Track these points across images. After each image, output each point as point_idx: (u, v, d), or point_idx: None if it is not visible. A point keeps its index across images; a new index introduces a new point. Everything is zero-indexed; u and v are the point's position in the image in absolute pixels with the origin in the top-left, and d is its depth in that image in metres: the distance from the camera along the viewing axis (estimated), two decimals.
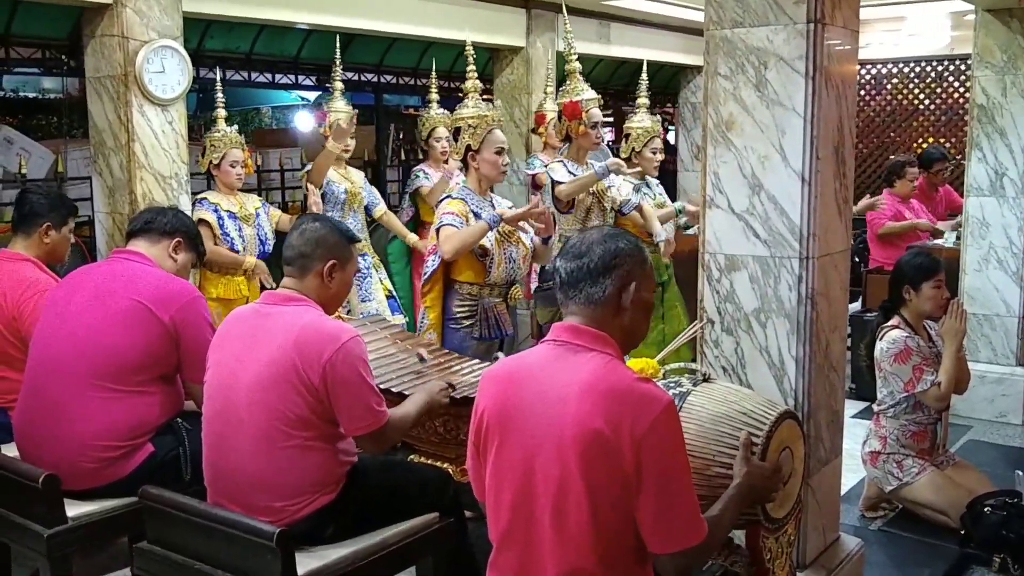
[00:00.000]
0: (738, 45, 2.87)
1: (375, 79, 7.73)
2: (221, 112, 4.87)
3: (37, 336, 3.09)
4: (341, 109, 5.26)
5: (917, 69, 8.98)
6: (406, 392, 3.14)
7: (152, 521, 2.66)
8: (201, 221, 4.54)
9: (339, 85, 5.40)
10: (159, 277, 3.13)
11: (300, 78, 7.41)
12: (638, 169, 5.16)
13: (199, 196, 4.77)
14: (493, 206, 4.04)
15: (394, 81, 7.91)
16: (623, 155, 5.12)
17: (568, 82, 4.86)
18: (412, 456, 3.45)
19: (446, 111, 5.71)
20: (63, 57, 5.73)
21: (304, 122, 12.71)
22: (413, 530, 2.83)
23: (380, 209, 5.52)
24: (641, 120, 5.30)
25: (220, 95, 4.97)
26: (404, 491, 2.86)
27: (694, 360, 3.12)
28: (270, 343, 2.59)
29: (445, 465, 3.29)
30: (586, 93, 4.78)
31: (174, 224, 3.30)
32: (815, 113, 2.78)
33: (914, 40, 8.77)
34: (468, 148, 4.04)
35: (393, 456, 3.21)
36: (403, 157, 8.98)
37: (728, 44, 2.89)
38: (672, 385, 2.63)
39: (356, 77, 7.69)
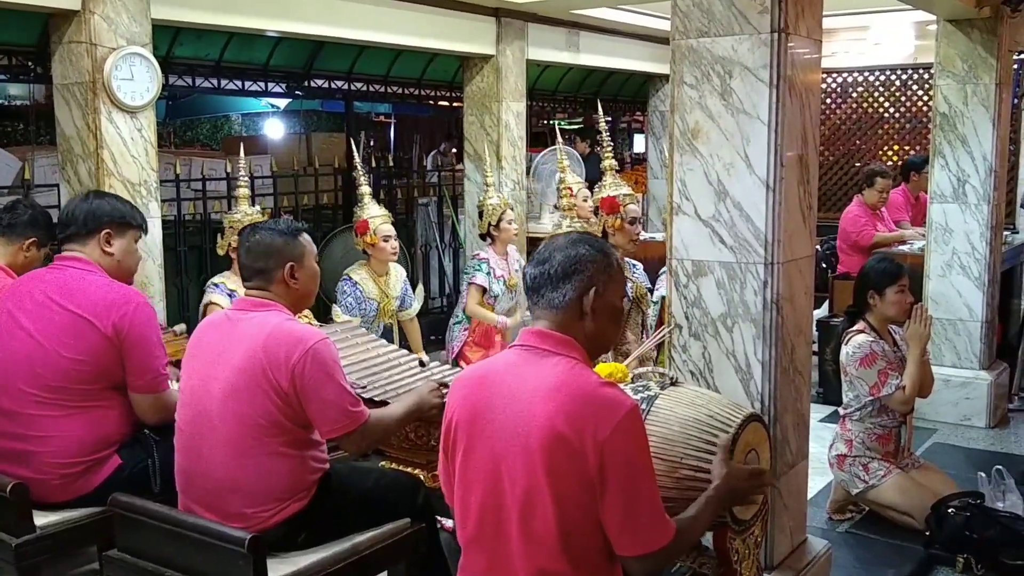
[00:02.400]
0: (703, 54, 2.92)
1: (345, 87, 7.72)
2: (244, 192, 4.68)
3: None
4: (378, 214, 5.05)
5: (882, 78, 9.08)
6: (377, 399, 3.15)
7: (122, 529, 2.65)
8: (212, 304, 4.39)
9: (366, 189, 5.18)
10: (99, 287, 3.00)
11: (270, 85, 7.38)
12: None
13: (213, 280, 4.58)
14: None
15: (364, 88, 7.90)
16: (597, 228, 4.70)
17: (605, 177, 4.70)
18: (383, 462, 3.46)
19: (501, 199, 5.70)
20: (30, 64, 5.67)
21: (274, 129, 12.71)
22: (384, 536, 2.84)
23: (407, 314, 5.31)
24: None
25: (243, 171, 4.75)
26: (375, 497, 2.87)
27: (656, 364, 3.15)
28: (239, 349, 2.60)
29: (416, 471, 3.30)
30: (623, 188, 4.67)
31: (96, 216, 3.09)
32: (779, 121, 2.83)
33: (879, 49, 8.87)
34: None
35: (364, 462, 3.21)
36: (373, 164, 8.98)
37: (694, 53, 2.94)
38: (640, 389, 2.66)
39: (326, 84, 7.68)
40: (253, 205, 4.74)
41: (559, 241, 2.21)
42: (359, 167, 5.35)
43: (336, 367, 2.66)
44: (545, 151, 8.14)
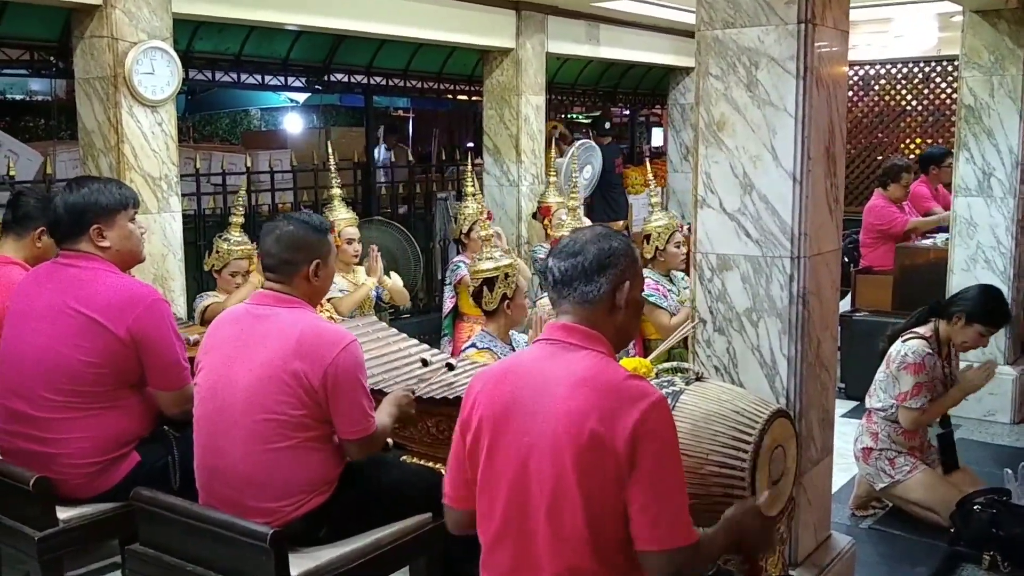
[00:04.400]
0: (729, 45, 2.89)
1: (365, 81, 7.71)
2: (238, 220, 4.66)
3: (1, 354, 2.99)
4: (345, 216, 5.11)
5: (904, 70, 9.02)
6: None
7: (144, 523, 2.66)
8: (213, 304, 4.40)
9: (337, 191, 5.23)
10: (110, 286, 2.92)
11: (289, 79, 7.37)
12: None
13: (200, 295, 4.63)
14: (513, 348, 4.01)
15: (384, 83, 7.89)
16: (646, 255, 4.94)
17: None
18: (404, 457, 3.44)
19: (477, 201, 5.75)
20: (52, 59, 5.69)
21: (293, 123, 12.72)
22: (406, 531, 2.84)
23: (391, 290, 5.33)
24: (659, 219, 5.06)
25: (241, 203, 4.78)
26: (397, 492, 2.87)
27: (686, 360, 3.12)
28: (266, 345, 2.60)
29: (437, 466, 3.28)
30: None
31: (78, 219, 2.96)
32: (806, 113, 2.79)
33: (901, 41, 8.80)
34: (504, 297, 4.00)
35: (385, 457, 3.20)
36: (411, 158, 8.96)
37: (719, 44, 2.90)
38: (665, 384, 2.63)
39: (346, 79, 7.67)
40: (253, 200, 4.74)
41: (587, 234, 2.18)
42: (333, 169, 5.39)
43: (364, 370, 2.69)
44: (571, 148, 8.16)
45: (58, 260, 3.03)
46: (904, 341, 4.07)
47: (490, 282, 4.03)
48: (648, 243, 4.99)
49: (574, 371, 2.03)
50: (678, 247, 4.98)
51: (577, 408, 1.98)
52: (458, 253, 6.18)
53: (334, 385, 2.57)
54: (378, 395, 3.01)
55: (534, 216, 6.91)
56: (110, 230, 2.99)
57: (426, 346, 3.74)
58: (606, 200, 9.14)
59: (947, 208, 6.66)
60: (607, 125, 9.78)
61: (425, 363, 3.40)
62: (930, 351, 4.01)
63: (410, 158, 8.19)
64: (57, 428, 2.87)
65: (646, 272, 4.95)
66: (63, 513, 2.85)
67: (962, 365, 4.32)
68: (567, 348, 2.09)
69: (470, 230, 5.72)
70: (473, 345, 4.01)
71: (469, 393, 2.20)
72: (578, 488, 1.97)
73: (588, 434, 1.95)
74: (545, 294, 4.50)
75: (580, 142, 8.63)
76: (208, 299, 4.53)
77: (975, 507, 3.79)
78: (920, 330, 4.10)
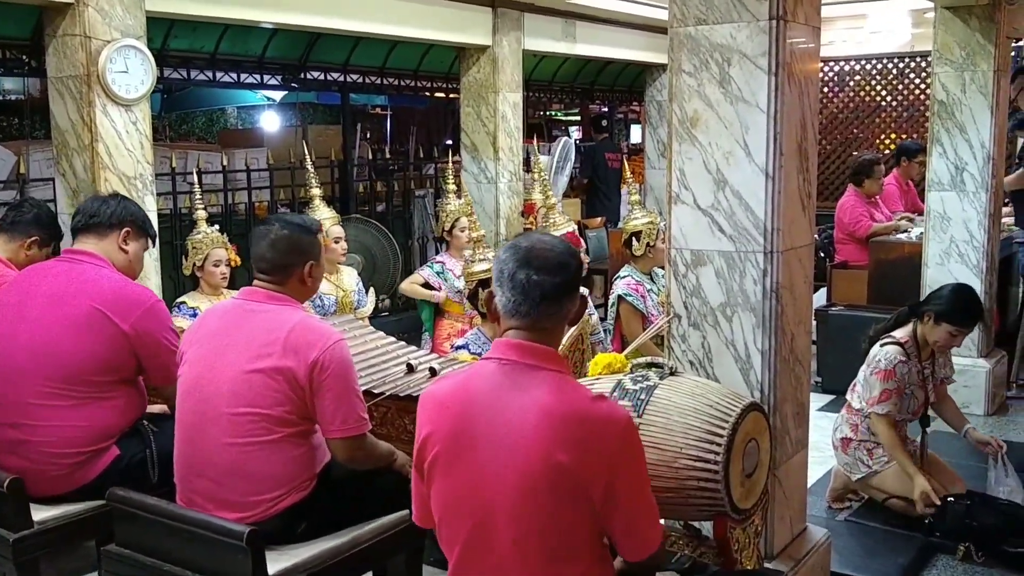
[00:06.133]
0: (702, 42, 2.90)
1: (341, 78, 7.69)
2: (201, 214, 4.67)
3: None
4: (328, 216, 5.13)
5: (879, 66, 9.08)
6: (374, 391, 3.14)
7: (120, 523, 2.65)
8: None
9: (317, 191, 5.27)
10: (116, 283, 3.04)
11: (265, 78, 7.35)
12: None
13: (177, 301, 4.61)
14: None
15: (360, 80, 7.88)
16: (636, 253, 4.99)
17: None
18: None
19: (465, 200, 5.73)
20: (24, 57, 5.65)
21: (269, 122, 12.66)
22: (383, 528, 2.84)
23: (364, 312, 5.29)
24: (640, 216, 5.06)
25: (199, 196, 4.79)
26: (374, 489, 2.87)
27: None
28: (256, 339, 2.61)
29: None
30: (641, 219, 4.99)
31: (120, 214, 3.17)
32: (778, 109, 2.81)
33: (876, 37, 8.86)
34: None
35: None
36: (370, 156, 8.96)
37: (692, 41, 2.92)
38: (639, 379, 2.64)
39: (322, 76, 7.65)
40: (212, 225, 4.72)
41: (560, 246, 2.11)
42: (310, 168, 5.41)
43: (352, 369, 2.69)
44: (556, 145, 8.21)
45: (63, 257, 3.17)
46: (882, 345, 4.08)
47: (485, 284, 4.01)
48: (638, 240, 4.99)
49: (536, 396, 1.97)
50: (664, 243, 4.98)
51: (545, 443, 1.93)
52: (438, 251, 6.19)
53: (319, 382, 2.58)
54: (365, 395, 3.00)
55: (522, 214, 6.95)
56: (134, 241, 3.21)
57: (403, 343, 3.73)
58: (598, 197, 9.24)
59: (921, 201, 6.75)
60: (604, 123, 9.99)
61: (411, 368, 3.39)
62: (903, 358, 4.02)
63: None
64: (43, 416, 2.89)
65: (627, 271, 4.98)
66: (38, 514, 2.84)
67: (954, 359, 4.33)
68: (522, 369, 2.02)
69: (453, 227, 5.73)
70: (466, 347, 3.98)
71: (421, 415, 2.13)
72: (549, 512, 1.94)
73: (559, 469, 1.92)
74: None
75: (561, 141, 8.68)
76: (179, 318, 4.43)
77: (950, 499, 3.83)
78: (898, 334, 4.11)
